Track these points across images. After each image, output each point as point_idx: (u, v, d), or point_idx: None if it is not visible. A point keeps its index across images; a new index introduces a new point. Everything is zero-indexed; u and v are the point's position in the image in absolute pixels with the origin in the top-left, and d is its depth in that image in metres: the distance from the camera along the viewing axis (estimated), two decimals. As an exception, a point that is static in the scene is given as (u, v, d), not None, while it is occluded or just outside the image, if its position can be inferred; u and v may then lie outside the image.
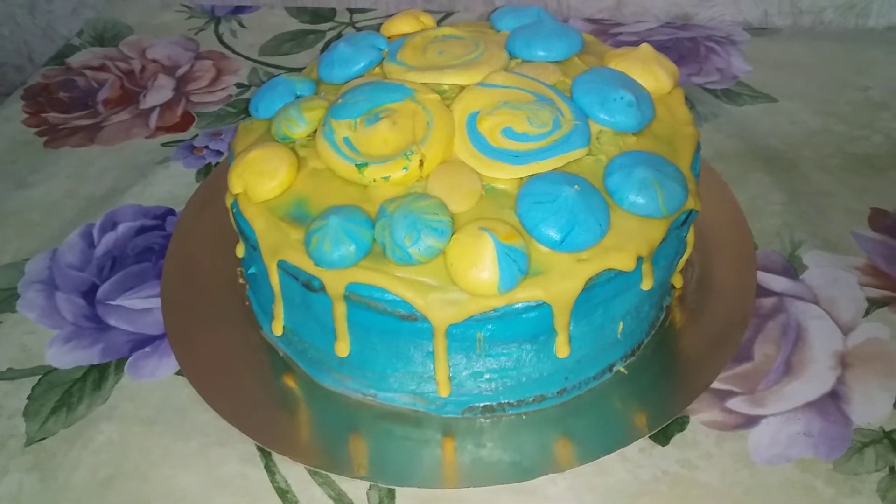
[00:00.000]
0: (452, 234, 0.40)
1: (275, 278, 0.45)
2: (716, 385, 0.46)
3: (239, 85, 0.72)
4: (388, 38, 0.54)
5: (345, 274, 0.41)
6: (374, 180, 0.43)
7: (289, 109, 0.47)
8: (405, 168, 0.43)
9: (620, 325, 0.45)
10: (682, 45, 0.73)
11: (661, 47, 0.72)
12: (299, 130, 0.47)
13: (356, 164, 0.43)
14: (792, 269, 0.52)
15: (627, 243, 0.41)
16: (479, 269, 0.39)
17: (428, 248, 0.40)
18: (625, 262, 0.41)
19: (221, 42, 0.78)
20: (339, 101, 0.46)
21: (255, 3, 0.84)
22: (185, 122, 0.69)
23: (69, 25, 0.94)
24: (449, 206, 0.41)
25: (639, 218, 0.42)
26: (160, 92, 0.72)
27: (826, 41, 0.72)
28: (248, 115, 0.51)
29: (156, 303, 0.52)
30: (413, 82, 0.47)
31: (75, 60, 0.78)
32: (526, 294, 0.40)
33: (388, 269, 0.41)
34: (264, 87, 0.51)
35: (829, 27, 0.76)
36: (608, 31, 0.75)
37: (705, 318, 0.49)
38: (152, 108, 0.70)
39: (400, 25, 0.55)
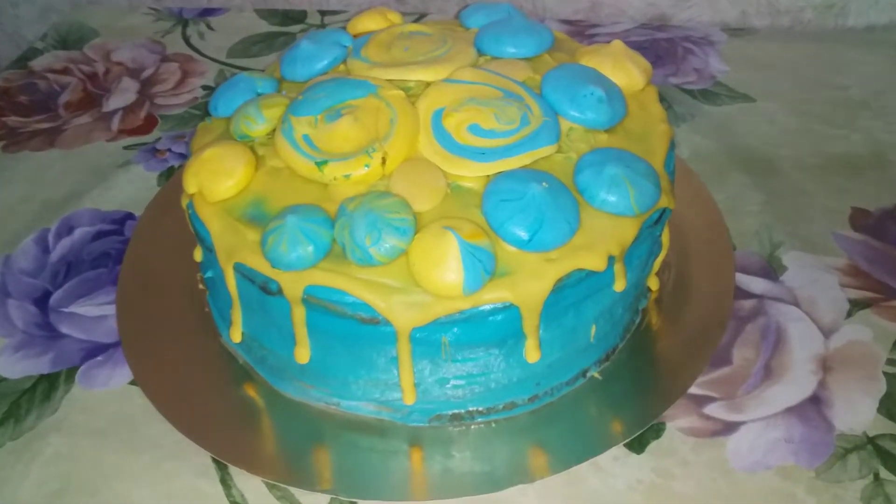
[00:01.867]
0: (415, 234, 0.38)
1: (231, 282, 0.43)
2: (693, 390, 0.44)
3: (205, 87, 0.71)
4: (354, 35, 0.52)
5: (303, 276, 0.39)
6: (335, 178, 0.41)
7: (247, 107, 0.46)
8: (367, 166, 0.41)
9: (593, 329, 0.43)
10: (659, 46, 0.71)
11: (638, 48, 0.70)
12: (258, 128, 0.45)
13: (316, 162, 0.41)
14: (771, 270, 0.51)
15: (598, 242, 0.40)
16: (443, 269, 0.37)
17: (389, 249, 0.38)
18: (595, 262, 0.39)
19: (189, 45, 0.77)
20: (300, 97, 0.45)
21: (224, 6, 0.83)
22: (149, 124, 0.66)
23: (36, 30, 0.92)
24: (412, 204, 0.40)
25: (610, 216, 0.40)
26: (124, 94, 0.70)
27: (804, 41, 0.71)
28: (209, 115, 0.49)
29: (111, 310, 0.50)
30: (377, 78, 0.45)
31: (38, 64, 0.76)
32: (492, 295, 0.38)
33: (348, 271, 0.39)
34: (224, 85, 0.50)
35: (808, 27, 0.75)
36: (584, 33, 0.74)
37: (682, 321, 0.47)
38: (115, 111, 0.68)
39: (366, 23, 0.54)
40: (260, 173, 0.43)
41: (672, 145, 0.46)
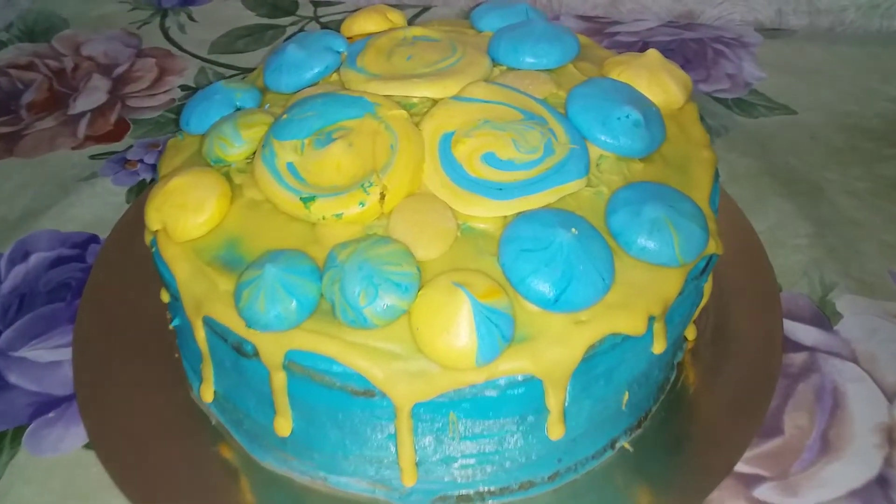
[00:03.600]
0: (419, 290, 0.32)
1: (201, 336, 0.36)
2: (740, 467, 0.38)
3: (184, 87, 0.64)
4: (349, 38, 0.46)
5: (283, 338, 0.33)
6: (324, 218, 0.35)
7: (223, 125, 0.39)
8: (362, 203, 0.34)
9: (626, 396, 0.37)
10: (688, 48, 0.65)
11: (664, 50, 0.63)
12: (235, 152, 0.39)
13: (301, 198, 0.35)
14: (823, 316, 0.44)
15: (636, 300, 0.34)
16: (453, 335, 0.31)
17: (387, 309, 0.32)
18: (633, 325, 0.33)
19: (167, 37, 0.69)
20: (284, 116, 0.38)
21: (208, -7, 0.75)
22: (119, 130, 0.60)
23: (3, 18, 0.84)
24: (416, 251, 0.33)
25: (650, 267, 0.34)
26: (93, 94, 0.63)
27: (847, 44, 0.65)
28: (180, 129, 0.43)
29: (66, 354, 0.44)
30: (375, 94, 0.39)
31: (0, 58, 0.69)
32: (511, 366, 0.32)
33: (338, 333, 0.33)
34: (198, 95, 0.43)
35: (851, 28, 0.68)
36: (603, 31, 0.67)
37: (724, 380, 0.41)
38: (82, 114, 0.61)
39: (364, 24, 0.47)
40: (236, 207, 0.37)
41: (717, 176, 0.40)
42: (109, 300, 0.46)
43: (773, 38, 0.66)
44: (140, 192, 0.54)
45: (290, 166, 0.36)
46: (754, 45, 0.65)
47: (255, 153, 0.38)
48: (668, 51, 0.63)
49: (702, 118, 0.57)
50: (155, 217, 0.37)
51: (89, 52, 0.68)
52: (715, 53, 0.64)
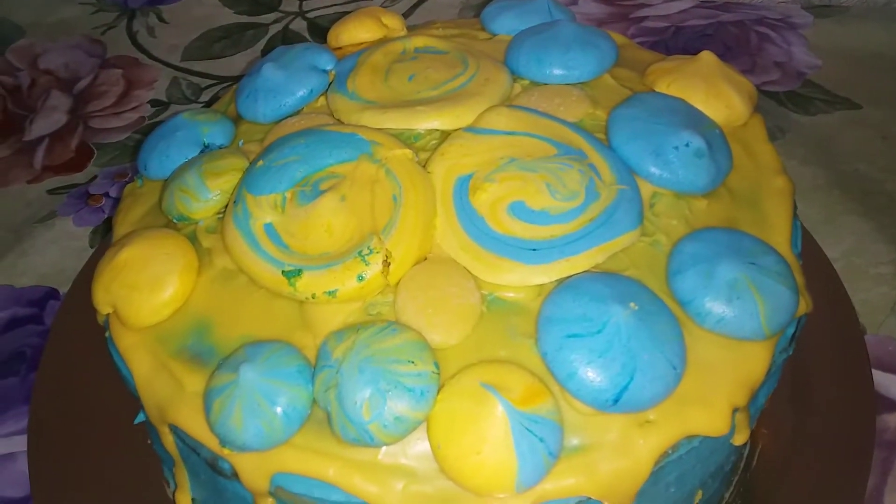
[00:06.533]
0: (438, 394, 0.25)
1: (169, 442, 0.29)
2: (840, 574, 0.31)
3: (155, 102, 0.56)
4: (338, 50, 0.38)
5: (268, 459, 0.27)
6: (313, 296, 0.27)
7: (185, 174, 0.32)
8: (361, 277, 0.27)
9: (699, 495, 0.30)
10: (727, 32, 0.56)
11: (700, 35, 0.56)
12: (201, 207, 0.32)
13: (284, 272, 0.28)
14: (921, 366, 0.37)
15: (716, 390, 0.27)
16: (485, 454, 0.25)
17: (398, 421, 0.25)
18: (714, 423, 0.27)
19: (135, 43, 0.62)
20: (260, 163, 0.31)
21: (180, -10, 0.67)
22: (82, 157, 0.52)
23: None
24: (431, 336, 0.27)
25: (729, 343, 0.28)
26: (52, 116, 0.56)
27: (910, 21, 0.57)
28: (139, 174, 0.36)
29: (21, 444, 0.37)
30: (370, 129, 0.31)
31: (-52, 75, 0.61)
32: (560, 486, 0.26)
33: (336, 450, 0.26)
34: (157, 131, 0.36)
35: (911, 2, 0.59)
36: (629, 16, 0.59)
37: (807, 454, 0.34)
38: (40, 140, 0.54)
39: (355, 31, 0.39)
40: (205, 280, 0.30)
41: (795, 209, 0.33)
42: (71, 373, 0.39)
43: (824, 17, 0.57)
44: (106, 234, 0.47)
45: (269, 228, 0.29)
46: (803, 26, 0.57)
47: (226, 207, 0.31)
48: (705, 36, 0.56)
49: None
50: (103, 299, 0.30)
51: (47, 65, 0.61)
52: (759, 38, 0.55)
